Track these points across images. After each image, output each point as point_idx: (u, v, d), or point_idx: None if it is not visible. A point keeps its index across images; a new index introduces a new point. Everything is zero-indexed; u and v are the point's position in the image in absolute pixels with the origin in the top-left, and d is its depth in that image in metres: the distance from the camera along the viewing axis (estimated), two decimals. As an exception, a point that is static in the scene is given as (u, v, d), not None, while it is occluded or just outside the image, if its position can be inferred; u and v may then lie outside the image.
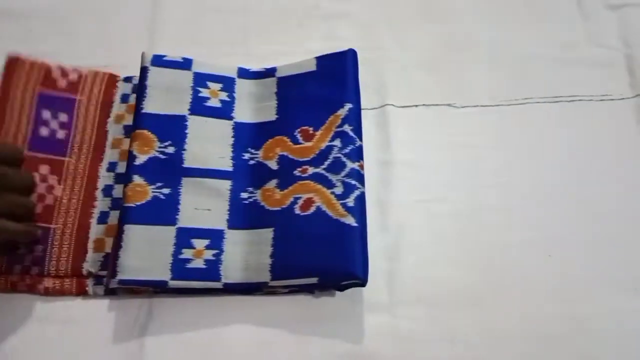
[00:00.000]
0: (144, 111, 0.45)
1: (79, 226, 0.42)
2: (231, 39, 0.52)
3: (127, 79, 0.48)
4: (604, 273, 0.43)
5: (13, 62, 0.45)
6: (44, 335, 0.40)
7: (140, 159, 0.43)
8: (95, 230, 0.42)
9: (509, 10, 0.54)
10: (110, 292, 0.40)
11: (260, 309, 0.41)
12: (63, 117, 0.45)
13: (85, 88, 0.47)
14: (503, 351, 0.40)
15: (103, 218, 0.43)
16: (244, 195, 0.43)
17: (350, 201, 0.42)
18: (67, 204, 0.43)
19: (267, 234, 0.41)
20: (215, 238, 0.41)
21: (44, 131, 0.44)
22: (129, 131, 0.46)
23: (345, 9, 0.54)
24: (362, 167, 0.44)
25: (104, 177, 0.44)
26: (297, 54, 0.51)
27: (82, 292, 0.41)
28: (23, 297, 0.41)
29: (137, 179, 0.42)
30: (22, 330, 0.40)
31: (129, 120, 0.46)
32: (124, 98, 0.48)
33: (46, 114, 0.45)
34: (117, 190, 0.44)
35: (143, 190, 0.42)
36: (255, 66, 0.50)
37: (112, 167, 0.45)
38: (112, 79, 0.48)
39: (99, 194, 0.44)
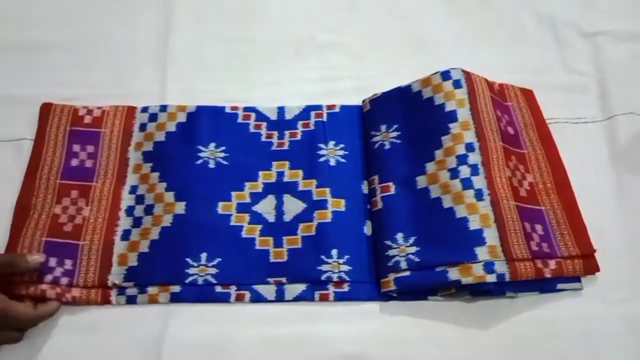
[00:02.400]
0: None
1: (105, 243, 0.47)
2: (232, 68, 0.57)
3: (144, 109, 0.53)
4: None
5: (46, 108, 0.52)
6: (69, 342, 0.44)
7: None
8: (119, 246, 0.47)
9: (488, 38, 0.58)
10: (130, 302, 0.45)
11: (266, 314, 0.45)
12: (90, 148, 0.51)
13: (108, 121, 0.52)
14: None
15: (126, 235, 0.47)
16: None
17: None
18: (93, 223, 0.48)
19: None
20: None
21: (74, 162, 0.50)
22: (148, 157, 0.51)
23: (338, 40, 0.58)
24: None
25: (126, 199, 0.49)
26: (293, 81, 0.56)
27: (106, 302, 0.45)
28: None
29: None
30: (49, 337, 0.44)
31: (147, 147, 0.51)
32: (142, 127, 0.52)
33: (76, 147, 0.50)
34: (138, 210, 0.48)
35: None
36: (256, 93, 0.54)
37: (133, 190, 0.49)
38: (130, 111, 0.53)
39: (121, 214, 0.48)
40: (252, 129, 0.52)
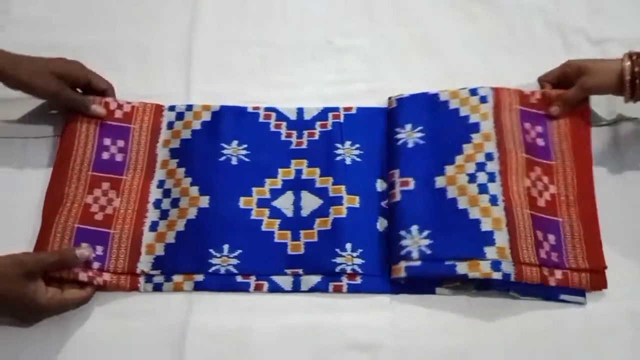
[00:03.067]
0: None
1: (134, 232, 0.50)
2: (253, 70, 0.60)
3: (171, 108, 0.56)
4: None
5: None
6: (102, 326, 0.47)
7: None
8: (147, 236, 0.50)
9: (497, 43, 0.60)
10: (157, 289, 0.48)
11: (283, 305, 0.48)
12: (120, 143, 0.54)
13: (138, 117, 0.55)
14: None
15: (154, 227, 0.51)
16: None
17: None
18: (123, 213, 0.51)
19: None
20: None
21: (105, 155, 0.53)
22: (174, 153, 0.54)
23: (354, 44, 0.61)
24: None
25: (154, 192, 0.52)
26: (311, 84, 0.58)
27: (134, 288, 0.48)
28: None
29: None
30: (82, 321, 0.47)
31: (174, 144, 0.54)
32: (170, 125, 0.55)
33: (107, 141, 0.54)
34: (165, 203, 0.52)
35: None
36: (275, 94, 0.57)
37: (161, 184, 0.53)
38: (158, 109, 0.56)
39: (150, 206, 0.52)
40: (272, 128, 0.55)
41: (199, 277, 0.48)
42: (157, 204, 0.52)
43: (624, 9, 0.62)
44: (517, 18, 0.61)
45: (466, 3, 0.62)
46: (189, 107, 0.56)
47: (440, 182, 0.50)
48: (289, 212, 0.51)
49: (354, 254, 0.49)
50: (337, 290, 0.48)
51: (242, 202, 0.51)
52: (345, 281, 0.48)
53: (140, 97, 0.57)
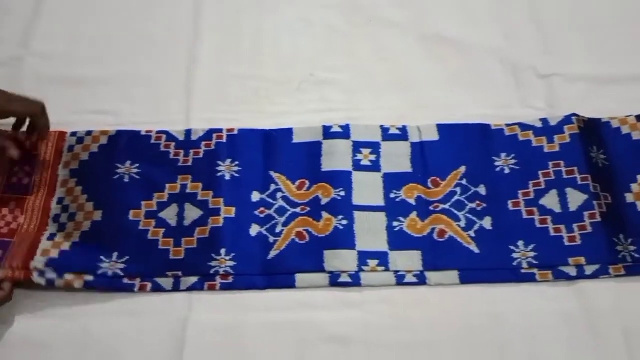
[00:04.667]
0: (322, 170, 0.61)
1: (32, 241, 0.57)
2: (246, 100, 0.68)
3: (73, 134, 0.64)
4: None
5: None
6: (108, 325, 0.54)
7: (324, 200, 0.59)
8: (44, 244, 0.56)
9: (459, 78, 0.69)
10: (50, 284, 0.54)
11: (270, 301, 0.55)
12: (28, 168, 0.61)
13: (43, 145, 0.63)
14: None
15: (51, 237, 0.57)
16: (395, 224, 0.59)
17: (472, 232, 0.58)
18: (27, 228, 0.58)
19: (417, 255, 0.57)
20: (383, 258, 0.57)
21: (13, 179, 0.61)
22: (73, 174, 0.61)
23: (334, 78, 0.69)
24: (479, 205, 0.59)
25: (55, 209, 0.60)
26: (297, 112, 0.67)
27: (27, 278, 0.54)
28: (84, 294, 0.55)
29: (325, 214, 0.58)
30: (84, 322, 0.54)
31: (74, 165, 0.62)
32: (70, 149, 0.63)
33: (16, 168, 0.61)
34: (63, 218, 0.59)
35: (330, 223, 0.58)
36: (266, 121, 0.65)
37: (60, 201, 0.60)
38: (62, 135, 0.64)
39: (50, 221, 0.59)
40: (162, 148, 0.63)
41: (89, 277, 0.55)
42: (56, 218, 0.59)
43: (571, 48, 0.71)
44: (478, 57, 0.70)
45: (434, 44, 0.71)
46: (89, 133, 0.64)
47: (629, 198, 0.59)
48: (173, 222, 0.59)
49: (227, 258, 0.57)
50: (211, 288, 0.55)
51: (132, 214, 0.59)
52: (218, 281, 0.56)
53: (148, 124, 0.65)
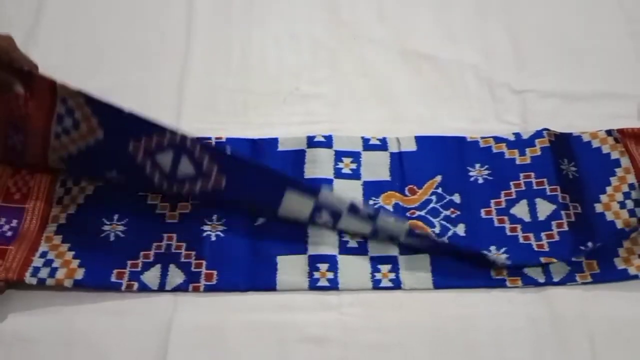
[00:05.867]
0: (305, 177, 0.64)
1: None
2: (235, 111, 0.71)
3: (63, 183, 0.64)
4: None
5: None
6: (94, 323, 0.56)
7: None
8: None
9: (436, 92, 0.72)
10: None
11: (252, 303, 0.58)
12: (14, 222, 0.61)
13: (33, 196, 0.63)
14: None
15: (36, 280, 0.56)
16: None
17: (446, 239, 0.61)
18: (4, 275, 0.56)
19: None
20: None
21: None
22: (61, 229, 0.60)
23: (319, 91, 0.73)
24: (453, 213, 0.62)
25: (36, 261, 0.58)
26: (283, 124, 0.70)
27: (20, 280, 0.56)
28: (72, 293, 0.57)
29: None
30: (74, 320, 0.56)
31: (62, 219, 0.61)
32: (59, 200, 0.63)
33: (2, 220, 0.61)
34: (42, 272, 0.57)
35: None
36: (253, 132, 0.69)
37: (43, 254, 0.60)
38: (52, 187, 0.64)
39: (27, 274, 0.57)
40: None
41: (79, 276, 0.57)
42: (35, 272, 0.57)
43: (543, 65, 0.74)
44: (455, 73, 0.73)
45: (415, 59, 0.74)
46: (77, 181, 0.63)
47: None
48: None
49: (218, 223, 0.61)
50: (195, 290, 0.58)
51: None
52: (202, 282, 0.58)
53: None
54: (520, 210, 0.63)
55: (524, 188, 0.64)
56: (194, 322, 0.57)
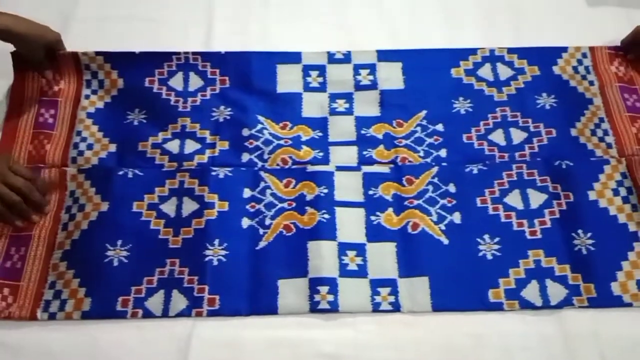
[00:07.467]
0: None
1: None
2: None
3: (67, 210, 0.64)
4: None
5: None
6: (115, 336, 0.58)
7: (309, 197, 0.65)
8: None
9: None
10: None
11: (270, 318, 0.59)
12: (22, 250, 0.61)
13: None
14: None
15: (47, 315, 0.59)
16: (373, 218, 0.64)
17: (443, 226, 0.63)
18: (18, 313, 0.58)
19: (392, 246, 0.62)
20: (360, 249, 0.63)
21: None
22: (66, 255, 0.61)
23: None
24: (450, 202, 0.64)
25: (47, 293, 0.60)
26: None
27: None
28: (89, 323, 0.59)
29: (309, 209, 0.64)
30: (96, 335, 0.58)
31: (67, 245, 0.62)
32: (64, 227, 0.63)
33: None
34: (53, 306, 0.59)
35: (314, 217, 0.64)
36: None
37: (52, 285, 0.60)
38: (57, 214, 0.64)
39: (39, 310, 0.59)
40: (164, 96, 0.71)
41: (86, 307, 0.59)
42: (46, 306, 0.60)
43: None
44: None
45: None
46: (81, 208, 0.64)
47: None
48: (172, 213, 0.63)
49: (220, 247, 0.62)
50: (198, 315, 0.59)
51: (135, 206, 0.64)
52: (205, 307, 0.59)
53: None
54: (514, 199, 0.63)
55: (515, 179, 0.66)
56: (213, 338, 0.59)
